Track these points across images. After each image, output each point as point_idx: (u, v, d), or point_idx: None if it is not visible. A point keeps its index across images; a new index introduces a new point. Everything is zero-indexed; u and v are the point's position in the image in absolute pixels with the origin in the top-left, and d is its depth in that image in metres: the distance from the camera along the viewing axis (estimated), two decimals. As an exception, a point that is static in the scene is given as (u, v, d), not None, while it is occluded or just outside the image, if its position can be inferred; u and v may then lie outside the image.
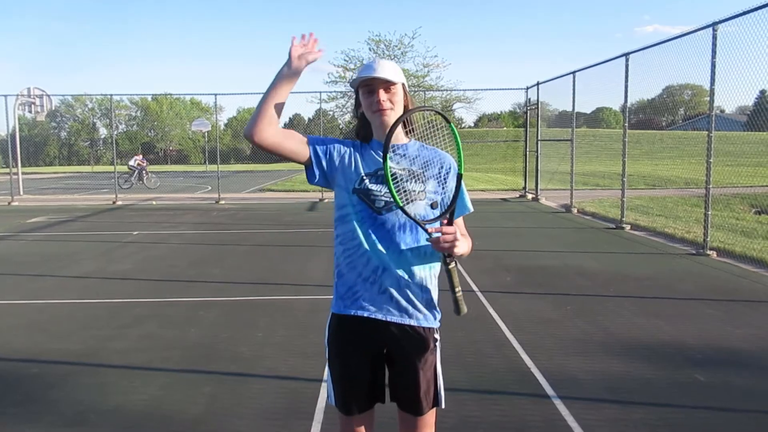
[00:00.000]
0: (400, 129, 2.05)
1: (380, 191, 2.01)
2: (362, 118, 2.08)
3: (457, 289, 1.96)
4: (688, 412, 3.45)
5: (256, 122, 1.91)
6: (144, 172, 25.21)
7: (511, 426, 3.30)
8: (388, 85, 1.99)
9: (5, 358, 4.49)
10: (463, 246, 1.94)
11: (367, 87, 2.00)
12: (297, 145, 2.02)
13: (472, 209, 2.16)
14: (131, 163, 25.85)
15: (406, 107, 2.05)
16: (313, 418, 3.39)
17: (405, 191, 2.00)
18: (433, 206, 2.02)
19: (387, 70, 1.99)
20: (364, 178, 2.02)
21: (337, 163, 2.04)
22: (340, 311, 2.08)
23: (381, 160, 1.98)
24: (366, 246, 2.00)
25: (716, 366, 4.16)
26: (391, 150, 2.02)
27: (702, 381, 3.87)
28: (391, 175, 1.98)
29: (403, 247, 2.01)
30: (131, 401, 3.65)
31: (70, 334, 5.01)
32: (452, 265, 1.95)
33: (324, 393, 3.67)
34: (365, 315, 2.03)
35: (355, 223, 2.01)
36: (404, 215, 1.98)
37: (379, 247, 2.00)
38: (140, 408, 3.56)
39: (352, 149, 2.07)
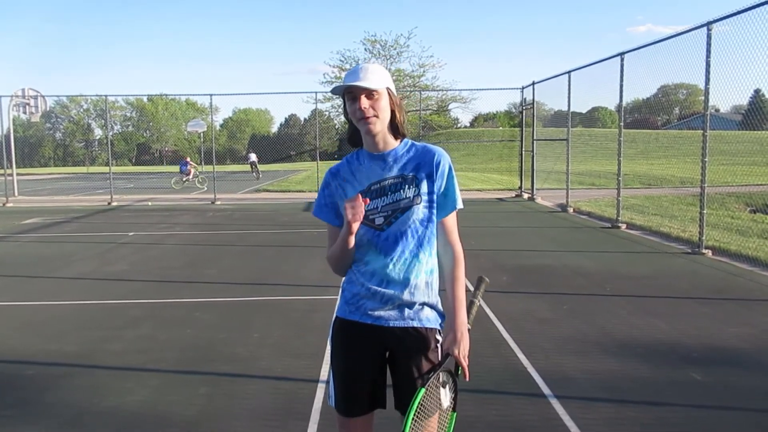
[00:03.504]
0: (388, 134, 2.02)
1: (377, 208, 2.00)
2: (351, 123, 2.04)
3: (475, 302, 2.13)
4: (684, 410, 3.46)
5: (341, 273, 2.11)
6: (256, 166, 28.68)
7: (508, 425, 3.30)
8: (369, 91, 1.94)
9: (0, 359, 4.47)
10: (467, 342, 2.05)
11: (350, 94, 1.96)
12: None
13: (461, 206, 2.10)
14: (252, 158, 28.61)
15: (393, 112, 2.00)
16: (309, 418, 3.38)
17: (400, 199, 1.99)
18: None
19: (368, 76, 1.93)
20: None
21: (337, 203, 2.07)
22: (345, 316, 2.06)
23: (378, 171, 2.00)
24: (372, 264, 2.01)
25: (712, 364, 4.17)
26: (381, 160, 2.02)
27: (698, 380, 3.88)
28: (382, 188, 2.00)
29: (407, 255, 2.00)
30: (127, 403, 3.64)
31: (66, 335, 4.99)
32: (470, 329, 2.05)
33: (320, 393, 3.67)
34: (368, 322, 2.02)
35: (360, 246, 2.02)
36: (405, 224, 1.99)
37: (385, 261, 1.99)
38: (136, 409, 3.55)
39: (338, 180, 2.06)
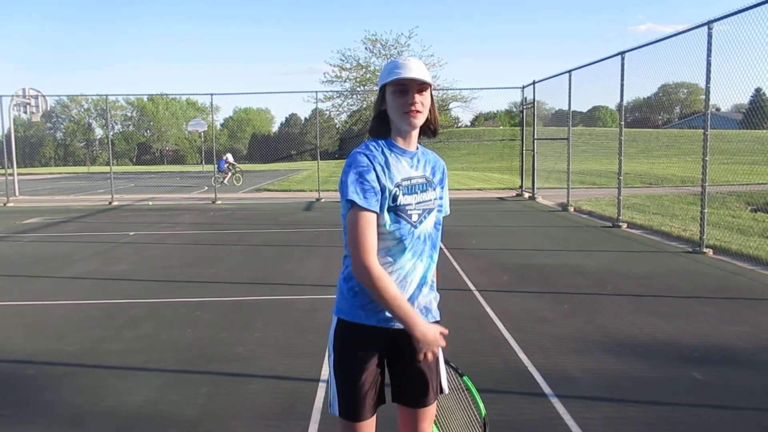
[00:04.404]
0: (414, 133, 2.01)
1: (413, 203, 1.97)
2: (381, 116, 1.99)
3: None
4: (685, 410, 3.46)
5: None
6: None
7: (509, 425, 3.29)
8: (423, 87, 1.93)
9: (0, 359, 4.47)
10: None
11: (400, 86, 1.91)
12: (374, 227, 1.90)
13: (448, 212, 2.17)
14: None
15: (430, 111, 2.01)
16: (310, 418, 3.38)
17: (428, 200, 2.01)
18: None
19: (422, 71, 1.92)
20: (396, 193, 1.92)
21: (384, 185, 1.91)
22: (359, 320, 1.98)
23: (407, 168, 1.98)
24: (400, 262, 1.96)
25: (713, 364, 4.17)
26: (409, 156, 2.00)
27: (698, 379, 3.88)
28: (412, 186, 1.97)
29: (427, 255, 2.02)
30: (127, 402, 3.64)
31: (66, 335, 4.99)
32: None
33: (321, 393, 3.67)
34: (389, 326, 1.98)
35: (391, 241, 1.94)
36: (430, 225, 2.01)
37: (412, 260, 1.97)
38: (136, 409, 3.55)
39: (379, 165, 1.90)
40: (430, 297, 2.07)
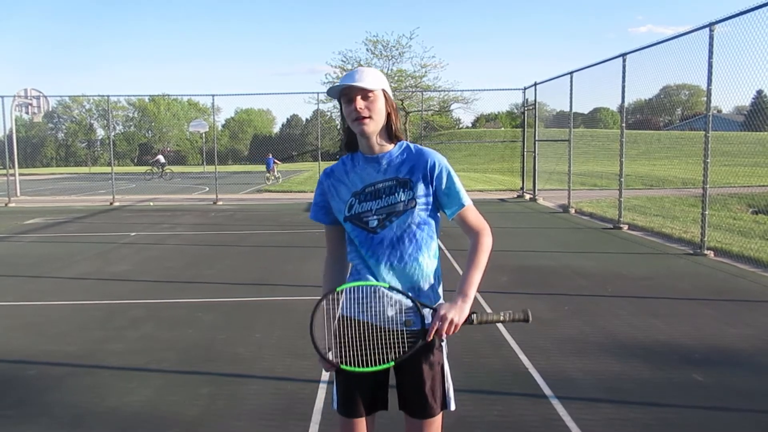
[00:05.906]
0: (384, 137, 2.02)
1: (371, 210, 2.00)
2: (348, 131, 2.05)
3: (501, 318, 1.98)
4: (685, 411, 3.46)
5: None
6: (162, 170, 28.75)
7: (509, 426, 3.30)
8: (365, 92, 1.95)
9: (1, 359, 4.48)
10: (461, 315, 1.89)
11: (346, 96, 1.96)
12: (340, 234, 2.13)
13: (467, 203, 2.03)
14: (161, 160, 28.56)
15: (389, 115, 2.01)
16: (310, 419, 3.38)
17: (395, 203, 1.98)
18: (407, 324, 1.94)
19: (364, 77, 1.95)
20: (352, 202, 2.02)
21: (329, 203, 2.10)
22: (354, 316, 2.04)
23: (373, 174, 2.01)
24: (368, 268, 2.02)
25: (713, 366, 4.17)
26: (375, 162, 2.02)
27: (699, 381, 3.88)
28: (376, 191, 1.99)
29: (407, 258, 2.00)
30: (128, 403, 3.64)
31: (67, 335, 5.00)
32: (474, 321, 1.92)
33: (322, 394, 3.67)
34: (386, 325, 2.00)
35: (355, 247, 2.05)
36: (401, 228, 1.98)
37: (378, 265, 2.00)
38: (137, 410, 3.55)
39: (332, 179, 2.08)
40: (421, 298, 2.03)
